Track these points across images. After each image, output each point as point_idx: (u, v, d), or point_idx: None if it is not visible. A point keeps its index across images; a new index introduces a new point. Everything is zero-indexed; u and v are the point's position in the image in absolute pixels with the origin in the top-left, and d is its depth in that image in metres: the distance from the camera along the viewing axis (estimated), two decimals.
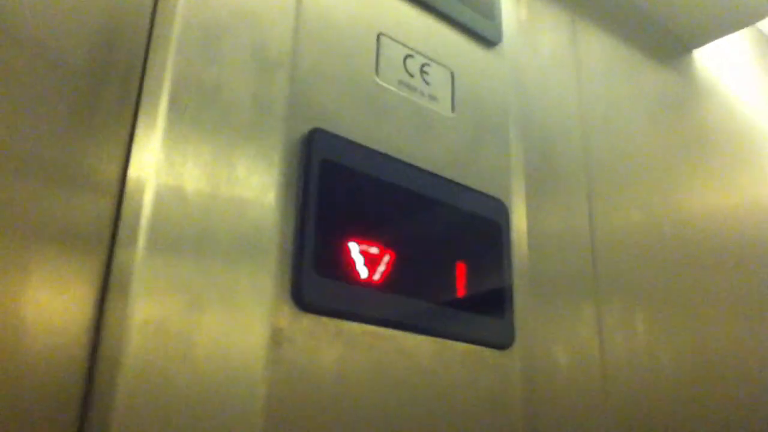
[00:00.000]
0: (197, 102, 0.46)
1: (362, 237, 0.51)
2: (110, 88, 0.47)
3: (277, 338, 0.45)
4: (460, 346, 0.55)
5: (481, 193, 0.61)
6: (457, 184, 0.59)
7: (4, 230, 0.40)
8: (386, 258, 0.52)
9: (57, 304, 0.41)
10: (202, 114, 0.46)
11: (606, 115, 0.88)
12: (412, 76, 0.60)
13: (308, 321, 0.47)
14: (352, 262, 0.50)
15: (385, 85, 0.58)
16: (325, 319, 0.48)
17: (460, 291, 0.56)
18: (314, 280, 0.47)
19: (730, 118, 1.11)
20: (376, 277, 0.51)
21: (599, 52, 0.91)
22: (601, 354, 0.73)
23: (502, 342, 0.58)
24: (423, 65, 0.61)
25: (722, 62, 1.14)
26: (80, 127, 0.45)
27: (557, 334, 0.69)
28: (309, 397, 0.45)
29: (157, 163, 0.44)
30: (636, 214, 0.87)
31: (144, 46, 0.49)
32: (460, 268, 0.57)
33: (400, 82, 0.59)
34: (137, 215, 0.43)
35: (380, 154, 0.55)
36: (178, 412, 0.40)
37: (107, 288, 0.43)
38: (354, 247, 0.50)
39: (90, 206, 0.44)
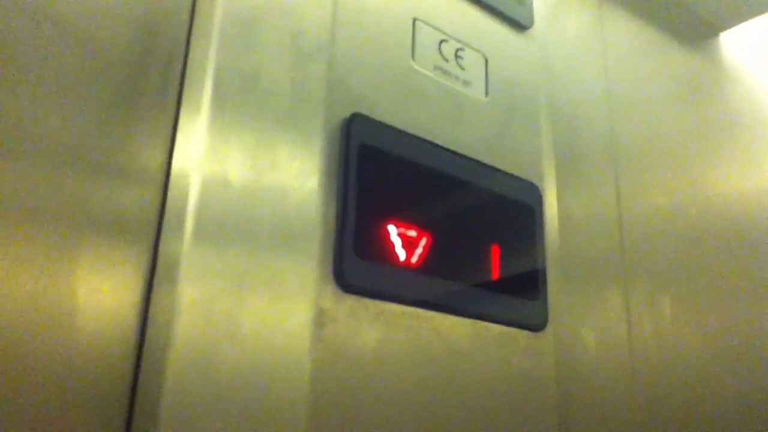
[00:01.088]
0: (238, 89, 0.47)
1: (400, 220, 0.52)
2: (152, 76, 0.48)
3: (320, 318, 0.46)
4: (495, 328, 0.56)
5: (515, 177, 0.61)
6: (492, 167, 0.60)
7: (51, 219, 0.41)
8: (423, 241, 0.53)
9: (106, 290, 0.42)
10: (244, 101, 0.47)
11: (632, 99, 0.88)
12: (447, 60, 0.60)
13: (350, 302, 0.48)
14: (391, 245, 0.51)
15: (421, 70, 0.58)
16: (366, 300, 0.49)
17: (495, 273, 0.57)
18: (355, 262, 0.48)
19: (757, 101, 1.10)
20: (414, 259, 0.52)
21: (625, 34, 0.91)
22: (629, 336, 0.74)
23: (536, 324, 0.59)
24: (457, 50, 0.62)
25: (750, 45, 1.13)
26: (124, 116, 0.46)
27: (586, 317, 0.70)
28: (351, 375, 0.47)
29: (201, 152, 0.45)
30: (662, 197, 0.87)
31: (185, 34, 0.50)
32: (495, 251, 0.57)
33: (436, 67, 0.59)
34: (183, 202, 0.44)
35: (417, 138, 0.55)
36: (226, 390, 0.41)
37: (155, 274, 0.44)
38: (393, 230, 0.51)
39: (135, 194, 0.45)
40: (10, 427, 0.37)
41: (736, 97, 1.06)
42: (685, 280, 0.85)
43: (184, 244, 0.42)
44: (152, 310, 0.43)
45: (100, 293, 0.42)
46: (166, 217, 0.45)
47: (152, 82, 0.47)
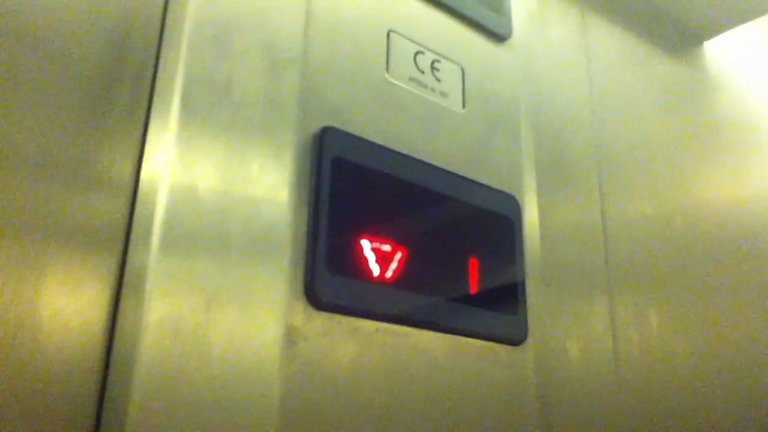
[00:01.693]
0: (209, 100, 0.46)
1: (374, 234, 0.51)
2: (122, 88, 0.47)
3: (291, 336, 0.46)
4: (474, 343, 0.55)
5: (493, 189, 0.61)
6: (469, 180, 0.59)
7: (18, 230, 0.40)
8: (398, 255, 0.52)
9: (72, 304, 0.41)
10: (214, 112, 0.46)
11: (617, 108, 0.87)
12: (422, 72, 0.60)
13: (322, 319, 0.47)
14: (365, 260, 0.50)
15: (395, 82, 0.58)
16: (339, 317, 0.48)
17: (473, 287, 0.56)
18: (327, 278, 0.47)
19: (742, 109, 1.10)
20: (389, 274, 0.51)
21: (610, 44, 0.91)
22: (614, 347, 0.73)
23: (516, 338, 0.58)
24: (433, 61, 0.61)
25: (734, 54, 1.13)
26: (93, 128, 0.45)
27: (570, 329, 0.69)
28: (324, 395, 0.46)
29: (170, 163, 0.44)
30: (648, 206, 0.87)
31: (155, 45, 0.49)
32: (473, 265, 0.57)
33: (411, 79, 0.59)
34: (151, 215, 0.43)
35: (392, 151, 0.55)
36: (193, 410, 0.40)
37: (122, 287, 0.43)
38: (366, 245, 0.51)
39: (104, 206, 0.44)
40: None
41: (721, 105, 1.06)
42: (672, 290, 0.84)
43: (151, 256, 0.41)
44: (119, 325, 0.42)
45: (65, 307, 0.41)
46: (134, 228, 0.44)
47: (123, 93, 0.47)
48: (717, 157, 1.01)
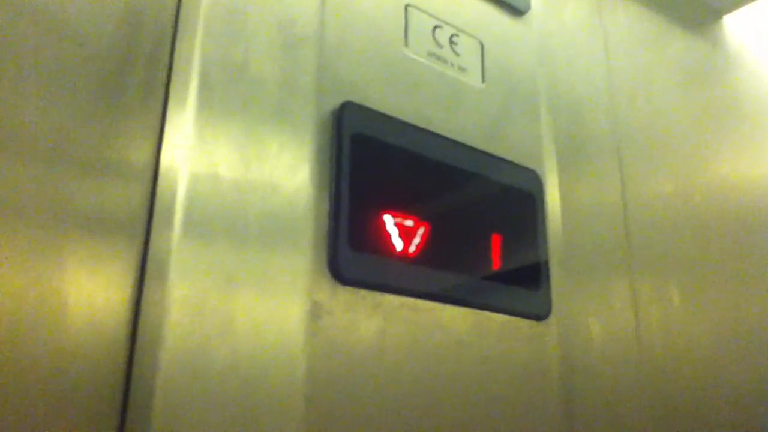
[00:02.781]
0: (226, 79, 0.46)
1: (396, 210, 0.51)
2: (138, 69, 0.47)
3: (315, 312, 0.45)
4: (497, 318, 0.55)
5: (514, 164, 0.60)
6: (490, 155, 0.59)
7: (39, 217, 0.40)
8: (421, 230, 0.52)
9: (96, 287, 0.41)
10: (232, 91, 0.46)
11: (634, 84, 0.86)
12: (441, 47, 0.59)
13: (346, 294, 0.47)
14: (387, 235, 0.50)
15: (414, 56, 0.57)
16: (363, 292, 0.48)
17: (496, 263, 0.56)
18: (350, 253, 0.47)
19: (762, 85, 1.08)
20: (412, 249, 0.51)
21: (625, 20, 0.89)
22: (635, 325, 0.73)
23: (539, 313, 0.58)
24: (452, 36, 0.60)
25: (754, 28, 1.11)
26: (110, 111, 0.45)
27: (592, 306, 0.68)
28: (349, 369, 0.46)
29: (189, 144, 0.44)
30: (667, 184, 0.86)
31: (171, 24, 0.49)
32: (496, 240, 0.56)
33: (430, 54, 0.58)
34: (172, 197, 0.43)
35: (412, 126, 0.54)
36: (219, 386, 0.40)
37: (145, 270, 0.43)
38: (389, 220, 0.50)
39: (124, 190, 0.44)
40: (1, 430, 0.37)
41: (741, 81, 1.04)
42: (692, 268, 0.83)
43: (174, 240, 0.41)
44: (143, 307, 0.42)
45: (89, 291, 0.41)
46: (156, 211, 0.44)
47: (138, 75, 0.46)
48: (736, 135, 1.00)
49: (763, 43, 1.12)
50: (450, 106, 0.58)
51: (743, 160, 1.00)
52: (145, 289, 0.42)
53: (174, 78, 0.47)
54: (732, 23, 1.08)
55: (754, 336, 0.87)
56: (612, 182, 0.77)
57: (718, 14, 1.06)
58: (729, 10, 1.06)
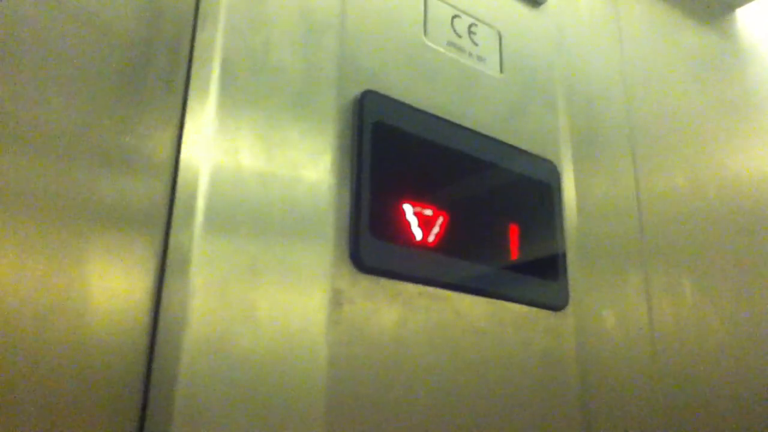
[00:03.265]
0: (248, 68, 0.46)
1: (416, 199, 0.51)
2: (159, 57, 0.46)
3: (337, 299, 0.45)
4: (515, 308, 0.55)
5: (532, 155, 0.60)
6: (508, 145, 0.59)
7: (59, 209, 0.40)
8: (440, 220, 0.52)
9: (118, 279, 0.41)
10: (253, 80, 0.46)
11: (648, 77, 0.86)
12: (460, 36, 0.59)
13: (367, 282, 0.47)
14: (407, 224, 0.50)
15: (433, 46, 0.57)
16: (383, 281, 0.48)
17: (514, 253, 0.56)
18: (371, 242, 0.47)
19: None
20: (431, 239, 0.51)
21: (640, 11, 0.89)
22: (649, 318, 0.73)
23: (557, 303, 0.58)
24: (470, 26, 0.60)
25: (766, 21, 1.11)
26: (131, 100, 0.44)
27: (606, 298, 0.68)
28: (369, 356, 0.46)
29: (211, 133, 0.43)
30: (680, 177, 0.86)
31: (191, 11, 0.48)
32: (513, 230, 0.56)
33: (449, 43, 0.58)
34: (194, 186, 0.43)
35: (432, 115, 0.54)
36: (241, 373, 0.40)
37: (167, 257, 0.43)
38: (408, 209, 0.50)
39: (145, 180, 0.44)
40: (25, 415, 0.37)
41: (754, 74, 1.04)
42: (706, 261, 0.83)
43: (196, 228, 0.41)
44: (165, 295, 0.42)
45: (111, 282, 0.41)
46: (177, 201, 0.44)
47: (159, 64, 0.46)
48: (750, 128, 1.00)
49: None
50: (468, 96, 0.58)
51: (756, 153, 0.99)
52: (167, 279, 0.42)
53: (195, 66, 0.47)
54: (744, 16, 1.07)
55: (765, 329, 0.87)
56: (626, 174, 0.77)
57: (730, 7, 1.06)
58: (741, 3, 1.05)
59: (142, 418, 0.40)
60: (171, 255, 0.43)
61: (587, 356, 0.61)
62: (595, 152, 0.73)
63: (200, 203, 0.42)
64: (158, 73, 0.46)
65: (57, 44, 0.42)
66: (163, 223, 0.44)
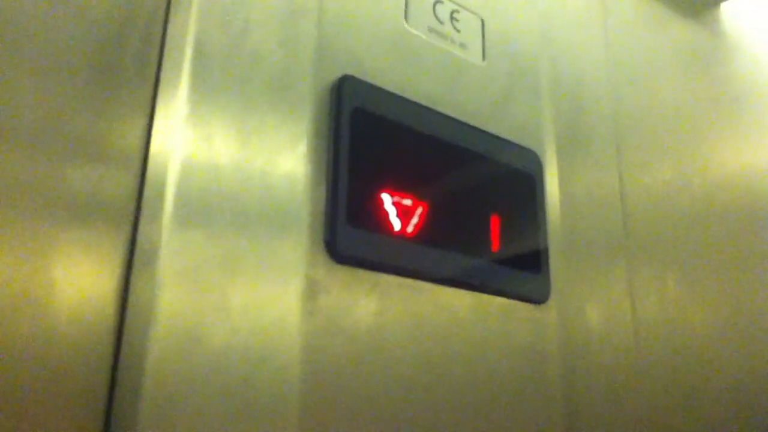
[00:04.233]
0: (224, 51, 0.44)
1: (395, 188, 0.49)
2: (133, 37, 0.45)
3: (312, 290, 0.44)
4: (497, 300, 0.54)
5: (515, 144, 0.59)
6: (491, 134, 0.57)
7: (26, 202, 0.39)
8: (419, 210, 0.50)
9: (85, 274, 0.40)
10: (229, 64, 0.44)
11: (634, 71, 0.85)
12: (441, 22, 0.58)
13: (343, 273, 0.46)
14: (386, 214, 0.49)
15: (414, 31, 0.55)
16: (360, 272, 0.47)
17: (495, 244, 0.55)
18: (348, 231, 0.46)
19: (761, 72, 1.08)
20: (410, 229, 0.50)
21: (626, 4, 0.88)
22: (633, 312, 0.72)
23: (539, 296, 0.57)
24: (453, 12, 0.59)
25: (752, 15, 1.10)
26: (103, 84, 0.43)
27: (589, 292, 0.67)
28: (346, 348, 0.44)
29: (183, 117, 0.42)
30: (665, 170, 0.85)
31: None
32: (495, 222, 0.55)
33: (430, 29, 0.57)
34: (164, 173, 0.41)
35: (413, 102, 0.53)
36: (213, 366, 0.39)
37: (137, 242, 0.41)
38: (387, 199, 0.49)
39: (116, 169, 0.42)
40: None
41: (740, 68, 1.04)
42: (690, 256, 0.83)
43: (165, 217, 0.40)
44: (132, 288, 0.41)
45: (78, 276, 0.40)
46: (147, 188, 0.43)
47: (133, 45, 0.45)
48: (735, 122, 0.99)
49: (761, 31, 1.11)
50: (450, 83, 0.56)
51: (742, 148, 0.99)
52: (134, 271, 0.41)
53: (167, 51, 0.45)
54: (730, 11, 1.07)
55: (751, 325, 0.87)
56: (610, 167, 0.76)
57: (716, 1, 1.05)
58: None
59: (108, 416, 0.39)
60: (139, 247, 0.41)
61: (570, 350, 0.60)
62: (579, 145, 0.72)
63: (169, 192, 0.40)
64: (131, 59, 0.45)
65: (29, 23, 0.41)
66: (133, 210, 0.42)
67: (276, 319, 0.42)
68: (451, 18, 0.59)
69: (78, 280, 0.39)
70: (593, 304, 0.67)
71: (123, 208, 0.42)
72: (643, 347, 0.72)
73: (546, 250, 0.59)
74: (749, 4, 1.10)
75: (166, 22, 0.46)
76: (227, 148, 0.43)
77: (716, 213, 0.90)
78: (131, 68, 0.44)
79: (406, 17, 0.55)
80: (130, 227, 0.42)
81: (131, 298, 0.40)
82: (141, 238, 0.41)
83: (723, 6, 1.06)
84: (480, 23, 0.61)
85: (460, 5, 0.60)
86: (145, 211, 0.42)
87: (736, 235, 0.91)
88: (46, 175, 0.40)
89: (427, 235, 0.50)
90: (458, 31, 0.59)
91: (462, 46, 0.59)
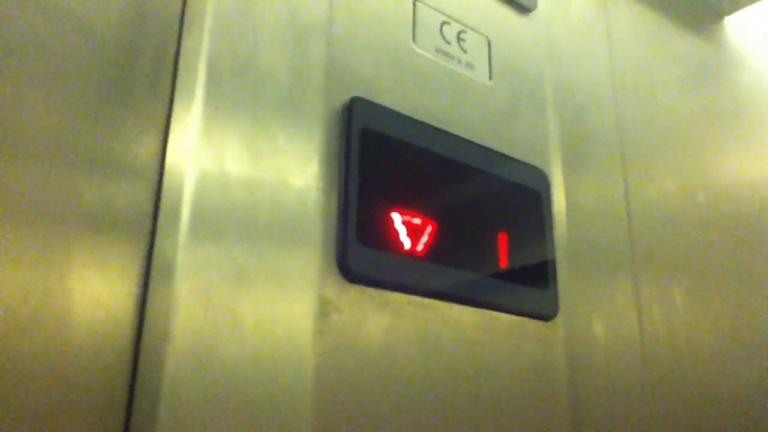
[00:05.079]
0: (234, 72, 0.45)
1: (405, 207, 0.50)
2: (145, 60, 0.46)
3: (324, 309, 0.45)
4: (505, 317, 0.54)
5: (522, 162, 0.60)
6: (498, 153, 0.58)
7: (43, 214, 0.39)
8: (429, 228, 0.51)
9: (102, 286, 0.40)
10: (240, 83, 0.45)
11: (637, 84, 0.86)
12: (449, 43, 0.58)
13: (355, 292, 0.46)
14: (396, 233, 0.49)
15: (422, 52, 0.56)
16: (371, 290, 0.47)
17: (503, 262, 0.55)
18: (359, 250, 0.47)
19: (764, 85, 1.08)
20: (420, 247, 0.50)
21: (630, 19, 0.89)
22: (639, 326, 0.72)
23: (547, 313, 0.57)
24: (459, 32, 0.60)
25: (755, 29, 1.11)
26: (116, 105, 0.44)
27: (596, 306, 0.68)
28: (357, 367, 0.45)
29: (196, 138, 0.43)
30: (670, 183, 0.86)
31: (178, 14, 0.48)
32: (503, 239, 0.56)
33: (438, 50, 0.57)
34: (179, 192, 0.42)
35: (421, 123, 0.53)
36: (227, 383, 0.40)
37: (152, 264, 0.42)
38: (397, 218, 0.50)
39: (130, 186, 0.43)
40: (6, 427, 0.36)
41: (743, 81, 1.05)
42: (696, 268, 0.83)
43: (181, 236, 0.41)
44: (149, 303, 0.41)
45: (95, 290, 0.40)
46: (162, 207, 0.43)
47: (144, 67, 0.46)
48: (738, 134, 1.00)
49: (763, 44, 1.12)
50: (457, 103, 0.57)
51: (745, 160, 1.00)
52: (152, 286, 0.42)
53: (181, 70, 0.46)
54: (733, 24, 1.08)
55: (757, 336, 0.87)
56: (615, 180, 0.77)
57: (719, 15, 1.06)
58: (730, 11, 1.06)
59: (126, 430, 0.39)
60: (156, 263, 0.42)
61: (578, 366, 0.61)
62: (585, 159, 0.73)
63: (185, 209, 0.41)
64: (144, 77, 0.45)
65: (40, 47, 0.42)
66: (147, 229, 0.43)
67: (288, 337, 0.42)
68: (458, 38, 0.59)
69: (95, 295, 0.40)
70: (600, 318, 0.68)
71: (138, 223, 0.43)
72: (651, 361, 0.72)
73: (554, 267, 0.59)
74: (753, 18, 1.11)
75: (178, 45, 0.47)
76: (239, 166, 0.44)
77: (721, 224, 0.90)
78: (144, 88, 0.45)
79: (413, 38, 0.56)
80: (145, 243, 0.43)
81: (148, 315, 0.41)
82: (157, 253, 0.42)
83: (727, 20, 1.07)
84: (487, 43, 0.62)
85: (466, 26, 0.61)
86: (161, 226, 0.43)
87: (742, 246, 0.91)
88: (60, 189, 0.40)
89: (436, 253, 0.51)
90: (465, 51, 0.60)
91: (469, 65, 0.59)
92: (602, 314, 0.68)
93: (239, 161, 0.44)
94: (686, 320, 0.79)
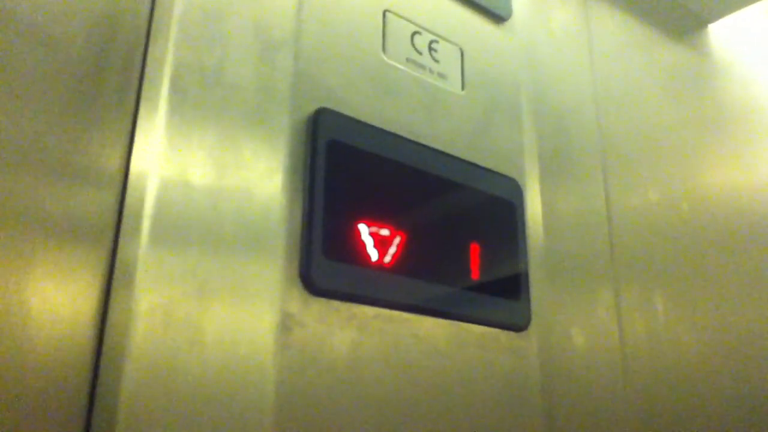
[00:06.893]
0: (200, 84, 0.45)
1: (372, 219, 0.50)
2: (111, 73, 0.46)
3: (287, 323, 0.44)
4: (476, 329, 0.54)
5: (494, 172, 0.59)
6: (469, 163, 0.58)
7: (4, 222, 0.39)
8: (397, 240, 0.51)
9: (61, 295, 0.40)
10: (206, 96, 0.45)
11: (620, 93, 0.86)
12: (420, 53, 0.58)
13: (319, 305, 0.46)
14: (362, 245, 0.49)
15: (392, 62, 0.56)
16: (336, 303, 0.47)
17: (474, 273, 0.55)
18: (324, 263, 0.46)
19: (748, 93, 1.08)
20: (387, 259, 0.50)
21: (612, 28, 0.89)
22: (620, 336, 0.72)
23: (519, 324, 0.57)
24: (431, 42, 0.59)
25: (739, 37, 1.11)
26: (82, 116, 0.43)
27: (575, 316, 0.67)
28: (321, 382, 0.44)
29: (159, 149, 0.42)
30: (653, 193, 0.85)
31: (145, 28, 0.48)
32: (474, 249, 0.55)
33: (408, 60, 0.57)
34: (140, 203, 0.41)
35: (389, 133, 0.53)
36: (186, 398, 0.39)
37: (113, 277, 0.42)
38: (364, 229, 0.49)
39: (94, 196, 0.43)
40: None
41: (726, 89, 1.04)
42: (678, 278, 0.83)
43: (142, 246, 0.40)
44: (109, 315, 0.41)
45: (54, 300, 0.40)
46: (124, 218, 0.43)
47: (111, 78, 0.45)
48: (723, 143, 1.00)
49: (748, 52, 1.12)
50: (429, 113, 0.57)
51: (729, 168, 1.00)
52: (112, 299, 0.41)
53: (146, 83, 0.46)
54: (716, 32, 1.08)
55: (739, 345, 0.87)
56: (596, 190, 0.77)
57: (703, 23, 1.06)
58: (713, 19, 1.06)
59: None
60: (117, 274, 0.42)
61: (553, 376, 0.60)
62: (564, 169, 0.73)
63: (146, 220, 0.41)
64: (111, 89, 0.45)
65: (7, 60, 0.41)
66: (110, 239, 0.43)
67: (249, 353, 0.42)
68: (430, 48, 0.59)
69: (55, 306, 0.40)
70: (579, 328, 0.67)
71: (102, 234, 0.43)
72: (631, 370, 0.71)
73: (526, 277, 0.59)
74: (737, 25, 1.11)
75: (144, 60, 0.47)
76: (203, 177, 0.43)
77: (705, 233, 0.90)
78: (111, 99, 0.45)
79: (383, 49, 0.56)
80: (108, 253, 0.42)
81: (108, 327, 0.41)
82: (118, 264, 0.42)
83: (710, 27, 1.07)
84: (459, 53, 0.61)
85: (438, 35, 0.60)
86: (124, 236, 0.42)
87: (724, 255, 0.91)
88: (25, 197, 0.40)
89: (405, 265, 0.50)
90: (437, 61, 0.59)
91: (441, 76, 0.59)
92: (581, 324, 0.68)
93: (203, 173, 0.43)
94: (668, 330, 0.78)
